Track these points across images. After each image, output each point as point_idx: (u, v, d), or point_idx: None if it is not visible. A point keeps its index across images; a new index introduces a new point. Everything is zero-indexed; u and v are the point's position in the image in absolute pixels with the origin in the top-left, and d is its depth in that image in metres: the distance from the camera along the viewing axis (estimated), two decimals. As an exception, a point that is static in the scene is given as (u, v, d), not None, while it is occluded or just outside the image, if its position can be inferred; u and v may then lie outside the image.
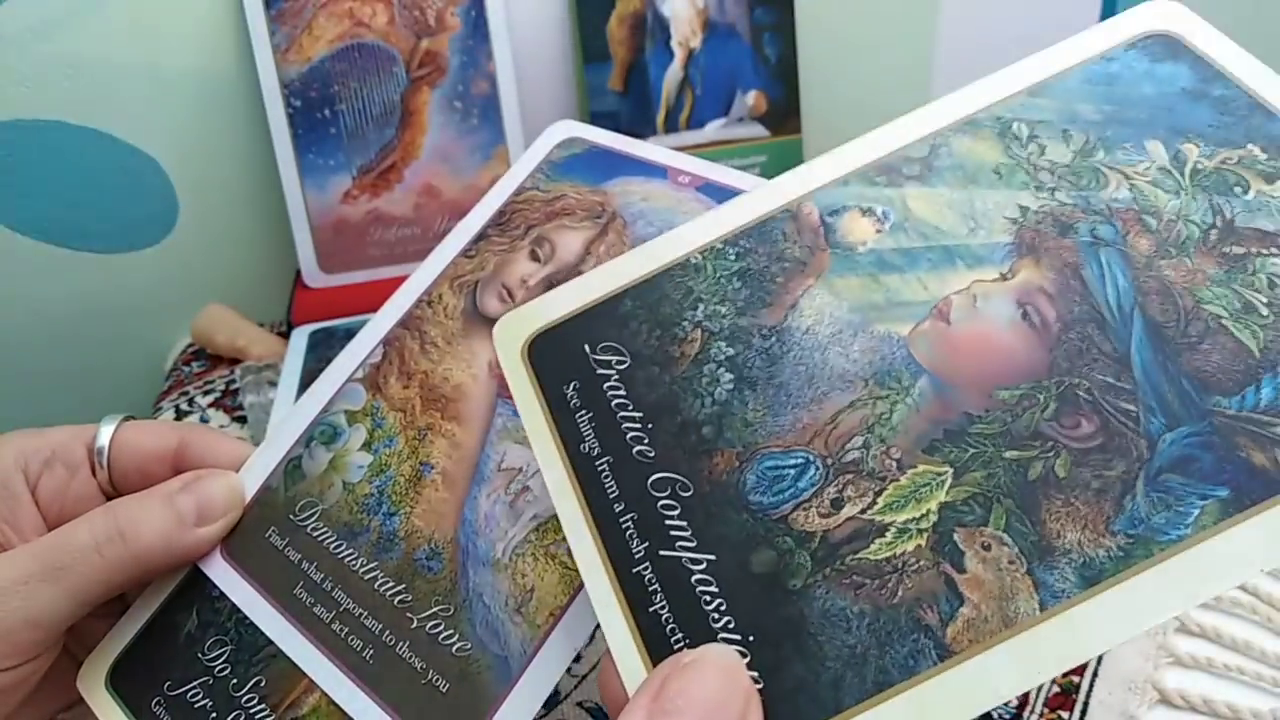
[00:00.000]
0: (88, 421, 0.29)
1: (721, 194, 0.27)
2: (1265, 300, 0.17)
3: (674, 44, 0.66)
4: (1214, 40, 0.21)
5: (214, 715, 0.25)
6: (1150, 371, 0.17)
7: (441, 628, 0.24)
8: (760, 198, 0.22)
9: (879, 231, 0.21)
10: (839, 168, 0.22)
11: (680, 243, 0.22)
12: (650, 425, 0.20)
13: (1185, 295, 0.18)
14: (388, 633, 0.24)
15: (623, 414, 0.20)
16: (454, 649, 0.24)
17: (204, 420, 0.56)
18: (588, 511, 0.20)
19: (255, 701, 0.25)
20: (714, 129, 0.68)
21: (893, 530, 0.18)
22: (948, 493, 0.18)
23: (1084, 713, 0.33)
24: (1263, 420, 0.16)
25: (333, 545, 0.26)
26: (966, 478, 0.18)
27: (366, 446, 0.28)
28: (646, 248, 0.22)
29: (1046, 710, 0.34)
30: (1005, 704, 0.34)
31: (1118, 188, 0.20)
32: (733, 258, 0.21)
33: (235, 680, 0.25)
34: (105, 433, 0.28)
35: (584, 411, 0.21)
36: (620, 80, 0.66)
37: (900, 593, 0.17)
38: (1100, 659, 0.35)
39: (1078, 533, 0.17)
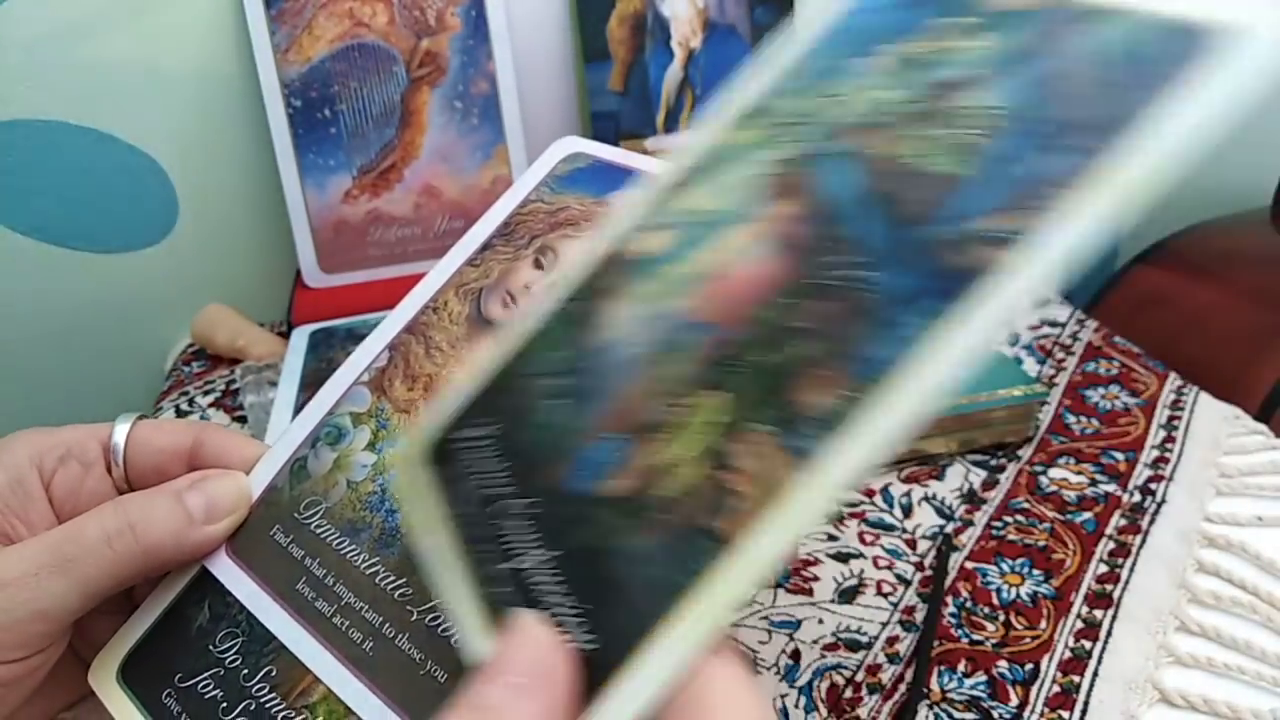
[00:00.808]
0: (89, 422, 0.29)
1: None
2: (967, 130, 0.20)
3: (674, 44, 0.66)
4: None
5: (224, 705, 0.25)
6: (886, 239, 0.19)
7: (440, 620, 0.25)
8: (582, 250, 0.25)
9: (670, 237, 0.23)
10: (638, 202, 0.25)
11: (526, 315, 0.25)
12: (511, 467, 0.23)
13: (909, 161, 0.20)
14: (387, 625, 0.25)
15: (490, 468, 0.23)
16: (452, 640, 0.24)
17: (204, 420, 0.56)
18: (465, 561, 0.22)
19: (266, 691, 0.25)
20: (714, 129, 0.68)
21: (680, 464, 0.20)
22: (722, 413, 0.20)
23: (1084, 712, 0.33)
24: (966, 227, 0.18)
25: (335, 542, 0.27)
26: (736, 394, 0.20)
27: (370, 446, 0.28)
28: (501, 334, 0.25)
29: (1047, 710, 0.34)
30: (1005, 703, 0.34)
31: (847, 107, 0.22)
32: (564, 309, 0.24)
33: (246, 670, 0.25)
34: (121, 430, 0.28)
35: (469, 475, 0.23)
36: (620, 80, 0.66)
37: (685, 513, 0.19)
38: (1100, 659, 0.35)
39: (823, 395, 0.18)
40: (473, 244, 0.31)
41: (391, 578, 0.25)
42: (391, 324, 0.30)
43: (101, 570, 0.24)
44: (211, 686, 0.25)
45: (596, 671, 0.19)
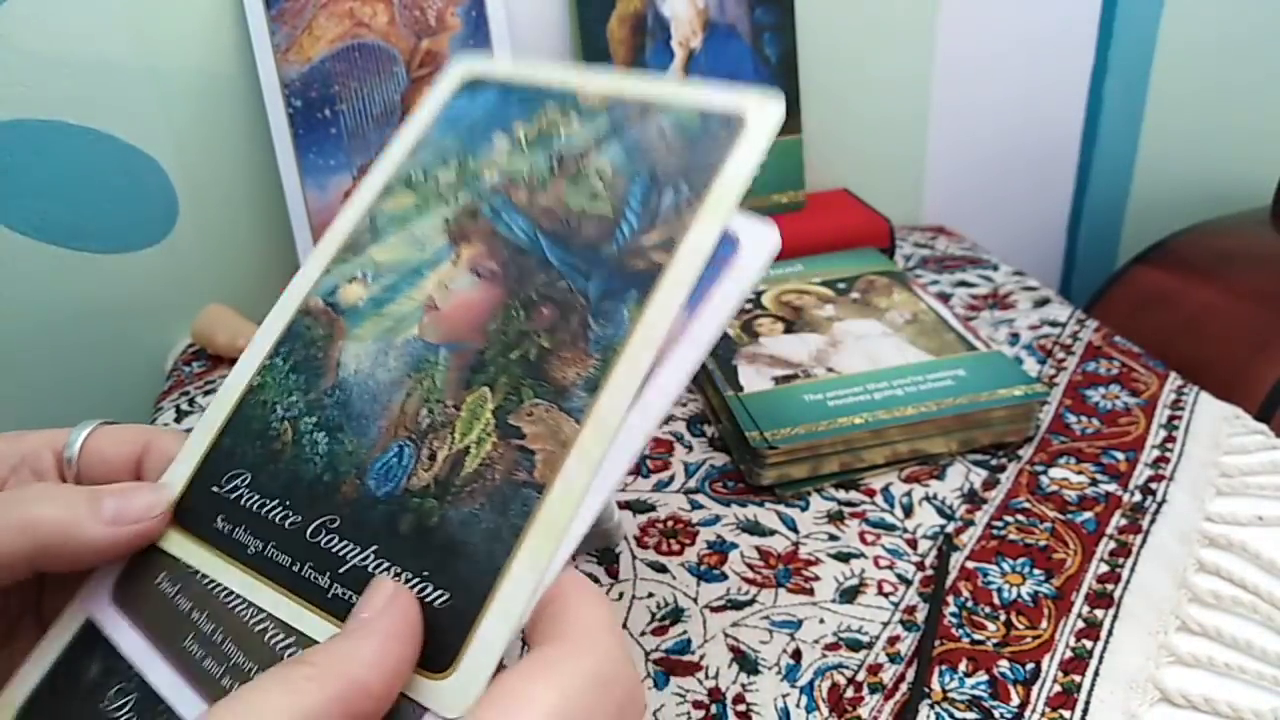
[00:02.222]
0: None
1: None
2: (601, 184, 0.27)
3: (674, 44, 0.66)
4: (498, 66, 0.32)
5: None
6: (563, 259, 0.27)
7: None
8: (280, 315, 0.30)
9: (366, 286, 0.29)
10: (320, 264, 0.30)
11: (242, 377, 0.29)
12: (289, 502, 0.26)
13: (559, 207, 0.28)
14: None
15: (264, 509, 0.26)
16: None
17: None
18: (281, 589, 0.25)
19: None
20: (714, 129, 0.68)
21: (472, 446, 0.25)
22: (492, 401, 0.25)
23: (1085, 712, 0.33)
24: (636, 245, 0.26)
25: (222, 595, 0.25)
26: (497, 386, 0.25)
27: None
28: (220, 395, 0.29)
29: (1048, 710, 0.34)
30: (1006, 703, 0.34)
31: (491, 174, 0.29)
32: (282, 362, 0.29)
33: None
34: (76, 439, 0.27)
35: (237, 527, 0.26)
36: (620, 80, 0.66)
37: (498, 476, 0.24)
38: (1101, 659, 0.35)
39: (574, 369, 0.25)
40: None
41: (280, 636, 0.24)
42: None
43: None
44: None
45: (454, 617, 0.22)
